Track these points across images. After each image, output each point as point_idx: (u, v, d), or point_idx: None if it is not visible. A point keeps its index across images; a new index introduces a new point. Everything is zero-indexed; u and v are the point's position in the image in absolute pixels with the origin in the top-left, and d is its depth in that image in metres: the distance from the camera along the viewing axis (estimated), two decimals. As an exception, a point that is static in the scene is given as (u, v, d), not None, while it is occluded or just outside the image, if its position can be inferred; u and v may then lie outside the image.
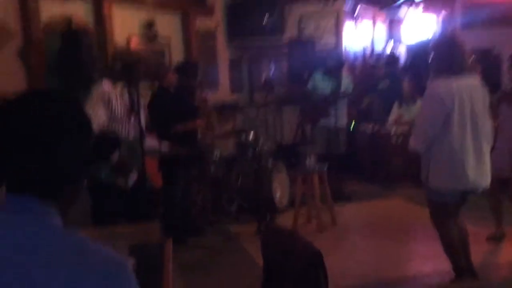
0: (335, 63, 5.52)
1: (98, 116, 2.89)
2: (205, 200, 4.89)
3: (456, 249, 3.13)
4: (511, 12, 7.39)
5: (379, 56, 7.86)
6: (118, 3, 5.10)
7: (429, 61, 3.07)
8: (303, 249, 1.88)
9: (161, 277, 1.71)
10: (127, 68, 3.05)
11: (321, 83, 5.51)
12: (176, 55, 6.01)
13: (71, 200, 1.02)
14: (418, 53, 7.25)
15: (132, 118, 3.07)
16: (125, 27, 5.22)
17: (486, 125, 3.00)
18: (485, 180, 3.02)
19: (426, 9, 8.03)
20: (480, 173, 2.98)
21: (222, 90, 6.88)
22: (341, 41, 6.92)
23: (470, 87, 2.92)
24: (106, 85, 3.09)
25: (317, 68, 5.64)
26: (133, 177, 3.06)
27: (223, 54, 7.01)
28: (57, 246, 0.90)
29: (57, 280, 0.86)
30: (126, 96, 3.08)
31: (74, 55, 4.04)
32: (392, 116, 6.42)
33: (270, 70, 7.47)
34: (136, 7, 5.39)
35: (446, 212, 3.07)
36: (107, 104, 3.01)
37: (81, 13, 4.68)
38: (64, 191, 0.98)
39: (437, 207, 3.09)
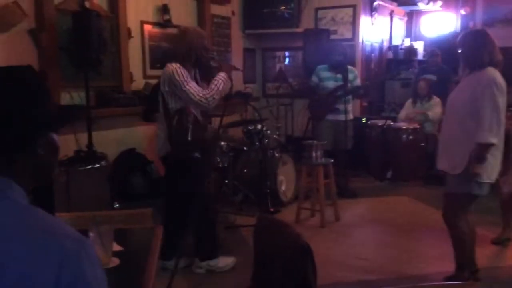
0: (342, 57, 5.41)
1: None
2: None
3: (465, 244, 3.13)
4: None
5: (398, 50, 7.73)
6: (133, -14, 5.09)
7: (462, 54, 3.05)
8: (293, 241, 1.87)
9: (146, 264, 1.69)
10: None
11: (326, 77, 5.42)
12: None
13: (37, 168, 1.01)
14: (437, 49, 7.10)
15: None
16: (139, 11, 5.21)
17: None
18: None
19: (445, 6, 7.89)
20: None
21: (235, 79, 6.83)
22: (358, 34, 6.81)
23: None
24: None
25: (325, 61, 5.54)
26: None
27: (238, 42, 6.97)
28: (15, 221, 0.89)
29: (14, 255, 0.85)
30: None
31: (85, 36, 4.04)
32: (404, 112, 6.33)
33: (285, 61, 7.41)
34: (150, -8, 5.37)
35: (470, 205, 3.09)
36: None
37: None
38: (20, 158, 0.97)
39: (463, 199, 3.06)
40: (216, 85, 3.27)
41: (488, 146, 2.85)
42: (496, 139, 2.85)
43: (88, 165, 3.95)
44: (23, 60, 3.86)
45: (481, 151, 2.85)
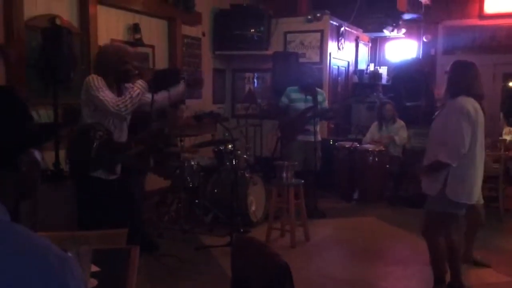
0: (312, 79, 5.53)
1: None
2: (178, 208, 4.84)
3: (442, 259, 3.31)
4: (489, 40, 7.63)
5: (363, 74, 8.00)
6: (104, 5, 5.08)
7: (448, 80, 3.26)
8: (271, 260, 1.87)
9: (125, 285, 1.67)
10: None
11: (296, 98, 5.52)
12: (160, 61, 5.99)
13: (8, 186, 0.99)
14: (399, 75, 7.37)
15: None
16: (110, 29, 5.19)
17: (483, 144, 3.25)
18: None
19: (407, 33, 8.22)
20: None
21: (204, 99, 6.88)
22: (325, 58, 6.98)
23: (479, 108, 3.16)
24: None
25: (294, 83, 5.65)
26: None
27: (208, 63, 7.02)
28: None
29: None
30: None
31: (55, 52, 3.98)
32: (369, 135, 6.50)
33: (254, 83, 7.51)
34: (122, 10, 5.37)
35: (447, 223, 3.27)
36: None
37: (66, 12, 4.64)
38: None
39: (441, 217, 3.25)
40: (130, 93, 3.18)
41: (440, 163, 3.08)
42: (452, 160, 3.04)
43: (55, 184, 3.86)
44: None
45: (432, 165, 3.13)
